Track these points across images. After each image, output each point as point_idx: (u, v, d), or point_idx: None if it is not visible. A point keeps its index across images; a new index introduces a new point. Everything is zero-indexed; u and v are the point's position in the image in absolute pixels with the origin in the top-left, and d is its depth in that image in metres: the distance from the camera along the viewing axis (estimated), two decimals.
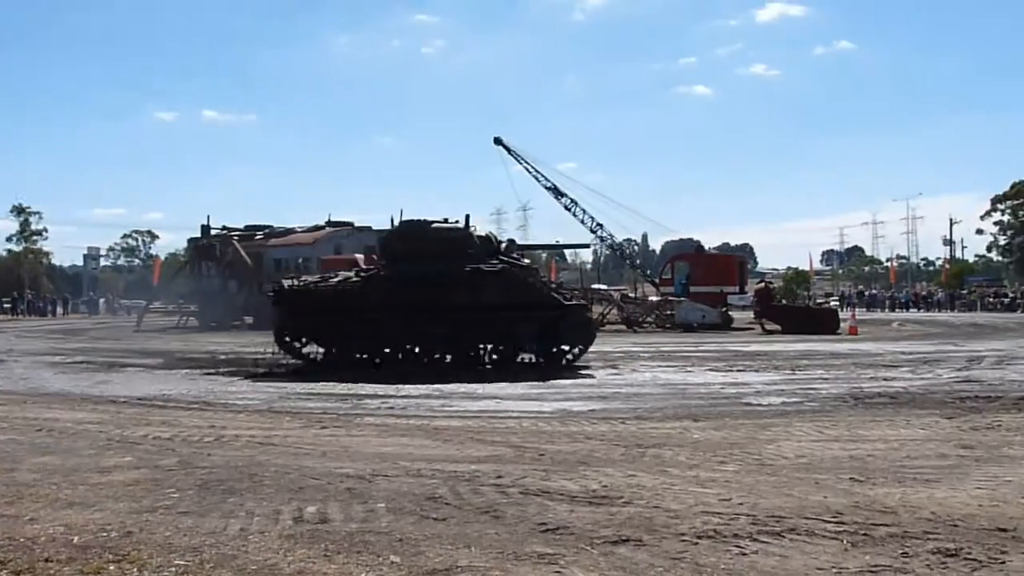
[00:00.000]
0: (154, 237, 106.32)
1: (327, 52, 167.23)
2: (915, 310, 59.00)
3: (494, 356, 17.19)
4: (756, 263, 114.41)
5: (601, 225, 50.28)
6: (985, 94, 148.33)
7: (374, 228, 42.06)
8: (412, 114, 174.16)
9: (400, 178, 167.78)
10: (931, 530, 5.24)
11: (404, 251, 17.19)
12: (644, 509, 5.75)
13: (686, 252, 47.03)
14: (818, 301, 57.25)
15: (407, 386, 13.85)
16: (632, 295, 41.63)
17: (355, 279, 17.26)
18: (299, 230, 42.62)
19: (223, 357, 20.38)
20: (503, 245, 19.15)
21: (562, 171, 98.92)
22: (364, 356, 17.01)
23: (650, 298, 39.78)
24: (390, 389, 13.35)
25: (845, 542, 5.02)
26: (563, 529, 5.26)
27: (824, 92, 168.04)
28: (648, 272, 52.89)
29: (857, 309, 48.87)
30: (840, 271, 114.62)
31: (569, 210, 49.58)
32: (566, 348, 17.20)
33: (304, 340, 17.37)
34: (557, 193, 49.55)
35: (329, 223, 42.45)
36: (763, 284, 37.91)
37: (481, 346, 17.28)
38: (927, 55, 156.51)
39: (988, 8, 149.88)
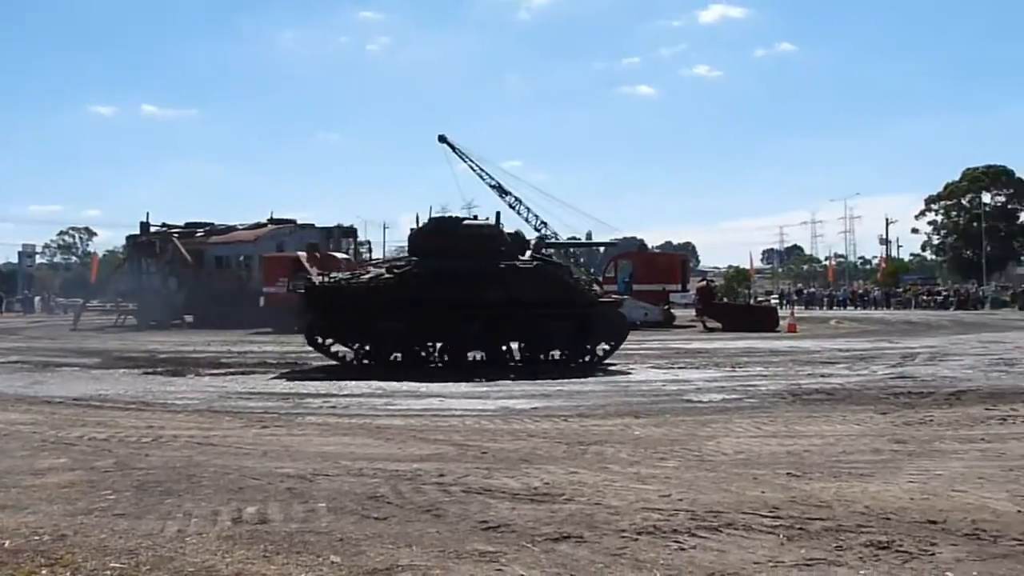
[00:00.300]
0: (92, 234, 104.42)
1: (272, 48, 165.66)
2: (852, 308, 60.21)
3: (526, 354, 16.98)
4: (698, 261, 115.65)
5: (545, 223, 50.63)
6: (921, 97, 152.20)
7: (317, 226, 41.86)
8: (357, 111, 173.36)
9: (344, 175, 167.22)
10: (864, 523, 5.36)
11: (435, 248, 16.88)
12: (585, 506, 5.79)
13: (629, 251, 47.34)
14: (758, 299, 58.14)
15: (350, 384, 13.78)
16: None
17: (388, 275, 16.96)
18: (241, 228, 42.02)
19: (162, 356, 20.03)
20: (531, 242, 19.02)
21: (507, 169, 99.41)
22: (394, 355, 16.77)
23: None
24: (333, 387, 13.27)
25: (781, 536, 5.11)
26: (505, 527, 5.28)
27: (765, 93, 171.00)
28: (592, 271, 53.20)
29: (796, 307, 49.74)
30: (780, 269, 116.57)
31: (514, 208, 49.85)
32: (598, 346, 17.13)
33: (334, 339, 17.06)
34: (502, 191, 49.78)
35: (271, 221, 41.95)
36: (704, 282, 38.34)
37: (510, 344, 17.10)
38: (866, 58, 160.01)
39: (926, 13, 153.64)
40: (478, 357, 16.88)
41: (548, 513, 5.59)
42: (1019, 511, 5.69)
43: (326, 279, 17.57)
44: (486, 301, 16.25)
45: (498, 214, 17.96)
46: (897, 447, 8.07)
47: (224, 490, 6.26)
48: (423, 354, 16.78)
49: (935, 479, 6.68)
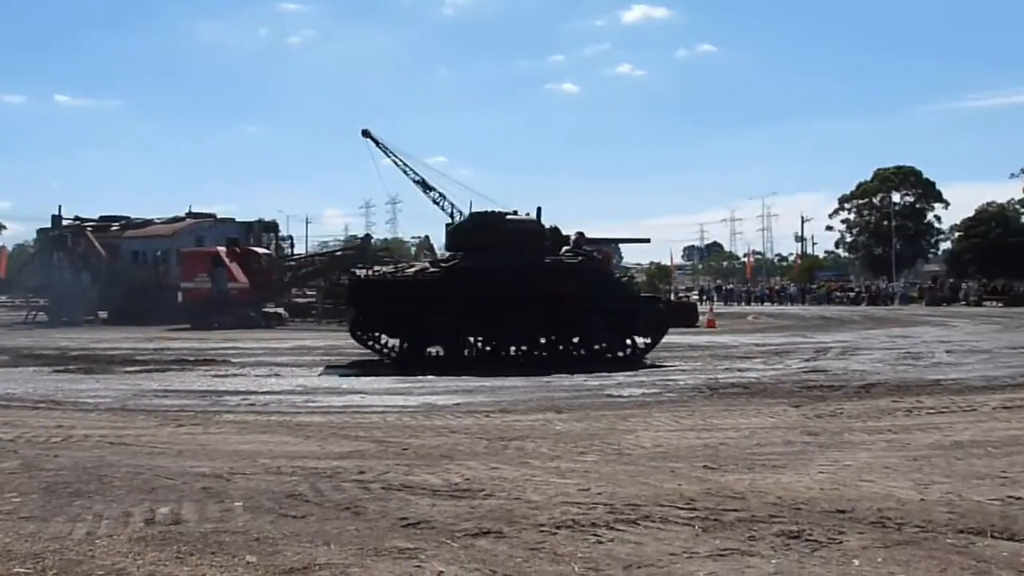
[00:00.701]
0: (1, 227, 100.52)
1: (191, 37, 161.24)
2: (769, 304, 61.52)
3: (573, 350, 17.04)
4: (621, 258, 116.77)
5: None
6: (836, 99, 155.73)
7: (237, 220, 41.12)
8: (279, 104, 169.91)
9: (266, 169, 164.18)
10: (776, 513, 5.50)
11: (478, 244, 16.90)
12: (505, 501, 5.82)
13: None
14: (679, 295, 59.02)
15: (271, 380, 13.59)
16: None
17: (434, 270, 16.98)
18: (158, 221, 40.98)
19: (74, 354, 19.44)
20: (571, 238, 18.92)
21: (431, 165, 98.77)
22: (434, 349, 16.78)
23: None
24: (252, 384, 13.05)
25: (697, 527, 5.21)
26: (424, 523, 5.27)
27: (687, 93, 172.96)
28: None
29: (715, 303, 50.64)
30: (700, 266, 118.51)
31: (438, 204, 49.72)
32: (639, 340, 17.24)
33: (378, 333, 16.91)
34: (425, 187, 49.59)
35: (190, 214, 41.06)
36: (626, 279, 38.70)
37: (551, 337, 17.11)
38: (784, 61, 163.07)
39: (841, 19, 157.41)
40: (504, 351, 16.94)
41: (468, 509, 5.61)
42: (922, 499, 5.90)
43: (371, 273, 17.52)
44: (531, 296, 16.27)
45: (539, 210, 17.96)
46: (809, 439, 8.30)
47: (137, 490, 6.12)
48: (464, 349, 16.84)
49: (844, 470, 6.89)
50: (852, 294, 60.55)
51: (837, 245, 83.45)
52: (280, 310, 34.86)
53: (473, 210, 19.73)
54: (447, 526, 5.21)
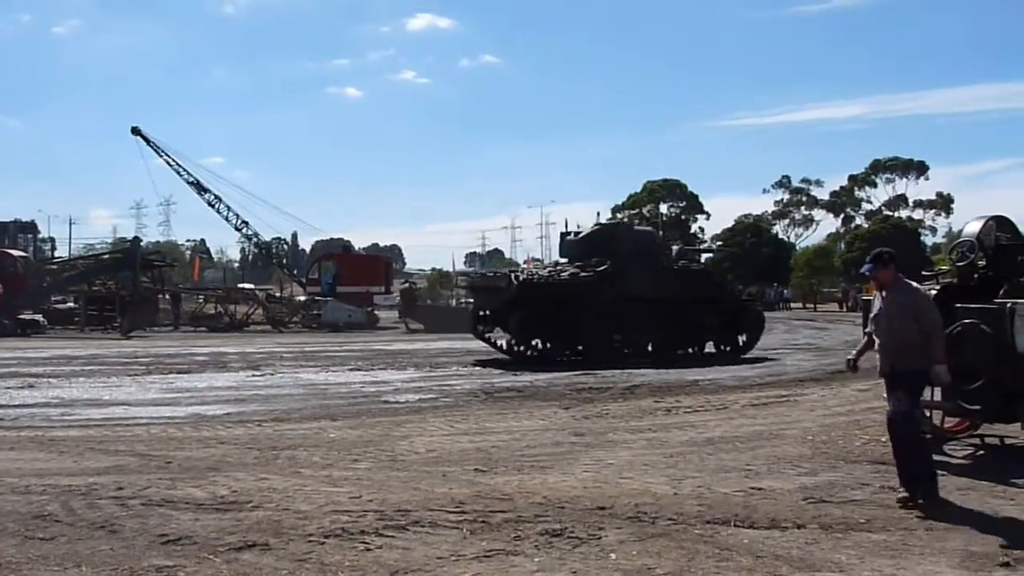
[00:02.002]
0: None
1: None
2: None
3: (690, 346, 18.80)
4: (405, 264, 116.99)
5: (247, 223, 48.93)
6: (611, 115, 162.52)
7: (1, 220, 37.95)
8: (42, 97, 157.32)
9: (26, 165, 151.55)
10: (541, 513, 5.70)
11: (610, 250, 18.28)
12: (273, 512, 5.69)
13: (333, 252, 47.04)
14: (463, 301, 59.78)
15: (24, 393, 12.59)
16: (278, 295, 40.95)
17: (586, 274, 17.91)
18: None
19: None
20: (675, 247, 21.24)
21: (207, 166, 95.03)
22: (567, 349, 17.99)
23: (297, 298, 39.37)
24: (3, 398, 12.03)
25: (465, 530, 5.31)
26: (186, 539, 5.07)
27: (469, 102, 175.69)
28: (295, 272, 52.29)
29: None
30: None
31: (213, 206, 47.72)
32: (742, 339, 19.07)
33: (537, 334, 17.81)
34: (200, 189, 47.48)
35: None
36: (407, 285, 38.90)
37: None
38: (562, 75, 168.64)
39: (616, 37, 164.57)
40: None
41: (233, 522, 5.44)
42: (675, 493, 6.30)
43: (532, 275, 18.78)
44: (662, 297, 17.61)
45: (660, 215, 18.85)
46: (576, 439, 8.64)
47: None
48: (607, 345, 17.85)
49: (606, 468, 7.23)
50: None
51: None
52: (38, 317, 32.32)
53: (600, 221, 20.98)
54: (210, 541, 5.03)
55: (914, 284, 6.34)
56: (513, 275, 18.83)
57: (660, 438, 8.72)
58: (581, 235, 19.53)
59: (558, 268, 19.54)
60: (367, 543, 5.04)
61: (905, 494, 5.93)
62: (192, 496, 6.13)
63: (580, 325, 17.52)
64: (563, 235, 20.22)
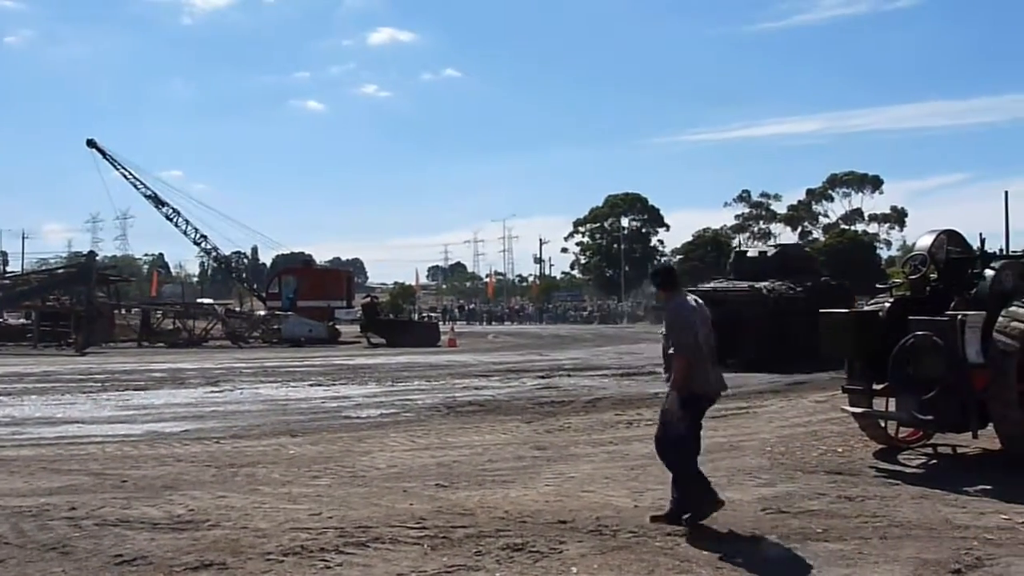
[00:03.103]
0: None
1: None
2: (509, 323, 63.46)
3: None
4: (367, 278, 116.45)
5: (206, 237, 48.37)
6: (573, 129, 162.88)
7: None
8: None
9: None
10: (503, 528, 5.70)
11: (791, 268, 20.42)
12: (231, 531, 5.63)
13: (294, 266, 46.68)
14: (423, 315, 59.65)
15: None
16: (238, 309, 40.56)
17: (800, 289, 19.74)
18: None
19: None
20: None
21: (165, 179, 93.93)
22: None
23: (257, 312, 39.01)
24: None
25: (426, 546, 5.30)
26: (141, 559, 5.01)
27: (432, 115, 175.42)
28: (256, 286, 51.82)
29: (457, 322, 51.62)
30: (444, 286, 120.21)
31: (171, 220, 47.09)
32: None
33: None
34: (158, 202, 46.85)
35: None
36: (369, 299, 38.69)
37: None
38: (525, 89, 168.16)
39: (579, 56, 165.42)
40: None
41: (190, 541, 5.38)
42: (636, 505, 6.33)
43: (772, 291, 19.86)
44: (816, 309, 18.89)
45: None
46: (538, 453, 8.65)
47: None
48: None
49: (568, 481, 7.24)
50: (585, 313, 63.74)
51: (572, 267, 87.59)
52: None
53: (779, 242, 22.60)
54: (166, 561, 4.97)
55: (683, 301, 5.91)
56: (761, 288, 20.01)
57: (621, 451, 8.75)
58: (758, 255, 22.16)
59: (753, 285, 20.61)
60: (327, 560, 5.00)
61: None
62: (148, 515, 6.05)
63: (796, 338, 18.17)
64: (739, 254, 23.13)
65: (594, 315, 61.81)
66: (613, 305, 66.64)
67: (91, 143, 45.38)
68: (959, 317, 7.27)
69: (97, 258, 42.99)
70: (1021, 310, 7.32)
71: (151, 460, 8.39)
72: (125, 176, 46.26)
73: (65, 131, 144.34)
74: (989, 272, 7.97)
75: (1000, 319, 7.30)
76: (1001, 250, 8.58)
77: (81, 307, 33.02)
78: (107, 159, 45.70)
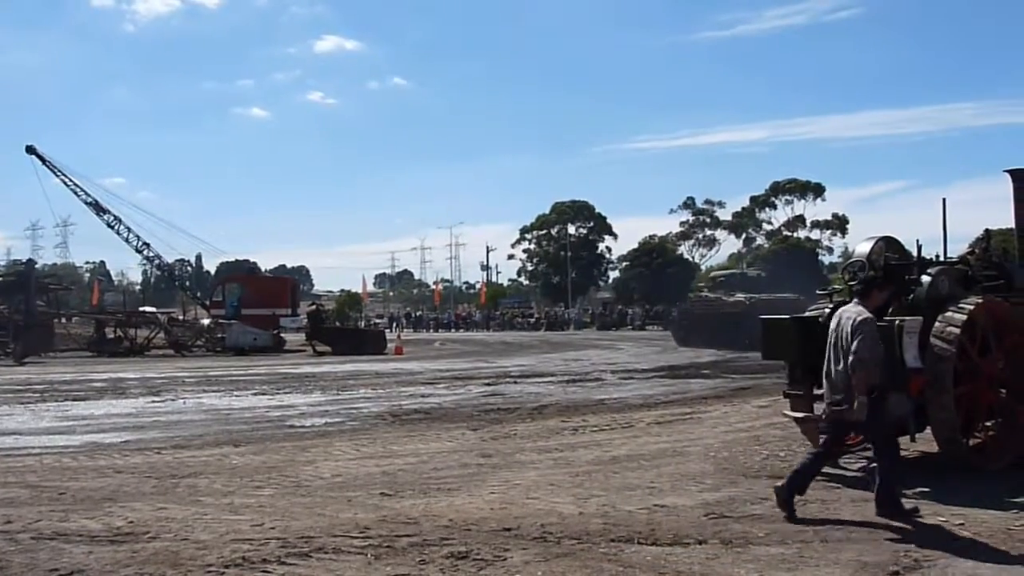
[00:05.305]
0: None
1: None
2: (456, 330, 63.40)
3: None
4: (313, 285, 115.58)
5: (148, 245, 47.71)
6: (519, 137, 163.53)
7: None
8: None
9: None
10: (447, 536, 5.68)
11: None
12: (171, 543, 5.54)
13: (238, 274, 46.18)
14: (370, 323, 59.29)
15: None
16: (181, 318, 39.95)
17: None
18: None
19: None
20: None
21: (107, 187, 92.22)
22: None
23: (201, 321, 38.47)
24: None
25: (369, 555, 5.26)
26: (78, 573, 4.91)
27: (378, 123, 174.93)
28: (199, 294, 51.11)
29: (405, 329, 51.40)
30: (392, 293, 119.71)
31: (112, 227, 46.41)
32: None
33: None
34: (99, 209, 46.11)
35: None
36: (314, 306, 38.36)
37: None
38: (470, 97, 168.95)
39: (524, 64, 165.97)
40: None
41: (129, 554, 5.28)
42: (581, 512, 6.35)
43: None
44: None
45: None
46: (483, 460, 8.64)
47: None
48: None
49: (513, 489, 7.25)
50: (532, 320, 63.85)
51: (519, 274, 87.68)
52: None
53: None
54: (104, 574, 4.87)
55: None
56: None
57: (567, 457, 8.78)
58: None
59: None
60: (268, 572, 4.95)
61: None
62: (86, 528, 5.93)
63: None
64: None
65: (541, 322, 61.91)
66: (560, 311, 66.81)
67: (30, 149, 44.56)
68: (896, 322, 7.42)
69: (37, 266, 42.28)
70: (957, 315, 7.50)
71: (90, 472, 8.22)
72: (65, 183, 45.54)
73: (5, 138, 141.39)
74: (926, 278, 8.15)
75: (936, 324, 7.48)
76: (938, 256, 8.76)
77: (20, 316, 32.31)
78: (47, 165, 44.93)
